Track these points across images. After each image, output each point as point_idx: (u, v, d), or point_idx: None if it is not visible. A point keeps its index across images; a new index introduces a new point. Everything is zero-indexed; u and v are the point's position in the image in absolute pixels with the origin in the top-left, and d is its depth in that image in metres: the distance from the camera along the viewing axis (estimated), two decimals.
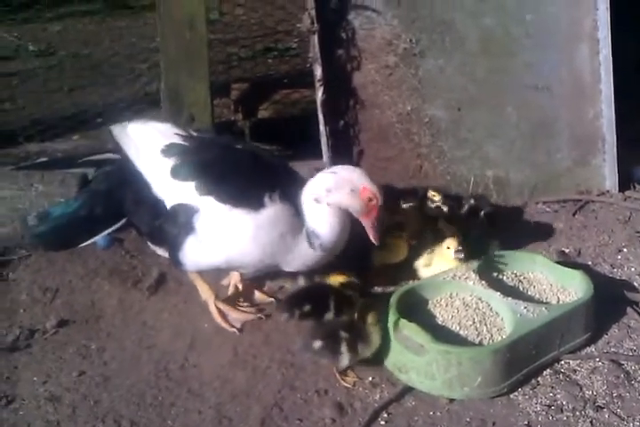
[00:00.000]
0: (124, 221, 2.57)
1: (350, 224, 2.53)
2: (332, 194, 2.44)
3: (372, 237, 2.51)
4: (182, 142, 2.52)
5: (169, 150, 2.49)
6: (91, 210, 2.58)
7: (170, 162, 2.46)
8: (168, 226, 2.48)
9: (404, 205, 3.01)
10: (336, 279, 2.57)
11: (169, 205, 2.47)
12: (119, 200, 2.56)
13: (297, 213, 2.46)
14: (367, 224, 2.50)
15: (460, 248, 2.69)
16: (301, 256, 2.50)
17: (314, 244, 2.47)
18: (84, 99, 4.67)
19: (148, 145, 2.51)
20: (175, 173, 2.45)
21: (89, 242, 2.61)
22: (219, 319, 2.66)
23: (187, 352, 2.54)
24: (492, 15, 3.27)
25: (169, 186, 2.46)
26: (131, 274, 2.96)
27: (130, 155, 2.54)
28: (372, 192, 2.44)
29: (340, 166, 2.53)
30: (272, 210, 2.41)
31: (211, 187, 2.42)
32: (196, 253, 2.47)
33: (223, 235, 2.42)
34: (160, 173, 2.47)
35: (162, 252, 2.61)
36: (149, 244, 2.65)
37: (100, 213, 2.57)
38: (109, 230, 2.60)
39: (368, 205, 2.45)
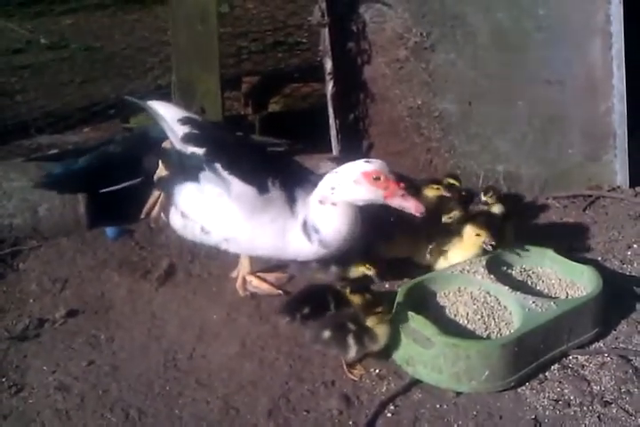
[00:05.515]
0: (141, 178, 2.65)
1: (360, 223, 2.47)
2: (337, 191, 2.41)
3: (413, 211, 2.35)
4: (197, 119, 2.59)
5: (184, 120, 2.52)
6: (110, 161, 2.71)
7: (183, 129, 2.49)
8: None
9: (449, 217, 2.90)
10: (358, 269, 2.66)
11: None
12: (139, 157, 2.65)
13: (293, 202, 2.46)
14: (397, 202, 2.36)
15: (490, 238, 2.64)
16: (295, 246, 2.49)
17: (312, 237, 2.46)
18: (95, 91, 4.69)
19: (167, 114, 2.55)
20: (186, 139, 2.47)
21: (106, 190, 2.68)
22: None
23: (195, 343, 2.55)
24: (504, 9, 3.26)
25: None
26: (140, 265, 2.98)
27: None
28: (373, 171, 2.36)
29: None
30: (268, 194, 2.43)
31: (215, 158, 2.44)
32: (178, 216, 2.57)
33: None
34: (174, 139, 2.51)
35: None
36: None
37: (120, 164, 2.69)
38: (127, 184, 2.66)
39: (379, 185, 2.36)
